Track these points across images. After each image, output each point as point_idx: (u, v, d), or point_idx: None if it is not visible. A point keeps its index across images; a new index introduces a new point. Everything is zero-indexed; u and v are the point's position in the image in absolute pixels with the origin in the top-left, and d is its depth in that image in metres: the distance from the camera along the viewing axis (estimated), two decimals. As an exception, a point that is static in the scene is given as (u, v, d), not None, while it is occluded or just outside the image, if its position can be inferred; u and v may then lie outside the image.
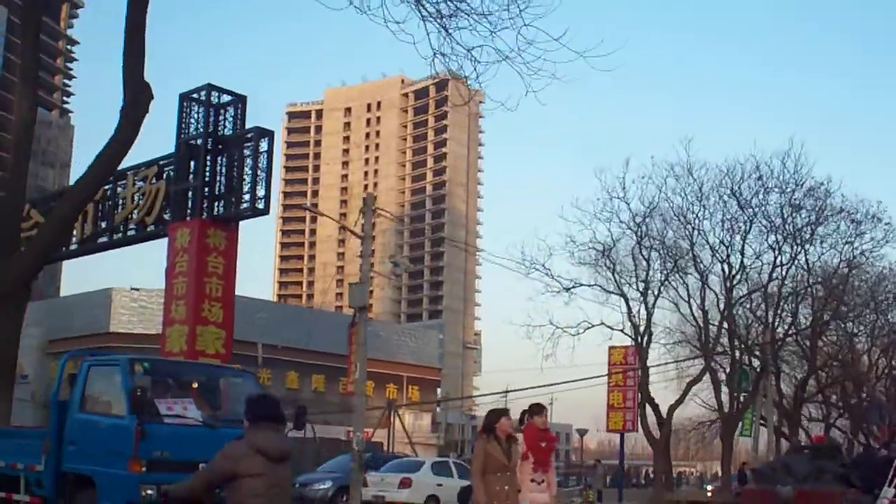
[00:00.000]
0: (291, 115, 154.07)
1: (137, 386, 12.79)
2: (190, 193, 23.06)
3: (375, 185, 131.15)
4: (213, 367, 14.45)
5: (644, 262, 36.20)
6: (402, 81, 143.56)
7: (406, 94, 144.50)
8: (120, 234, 25.29)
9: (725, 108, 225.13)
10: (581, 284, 36.58)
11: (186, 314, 22.17)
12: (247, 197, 22.40)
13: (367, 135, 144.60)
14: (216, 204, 22.86)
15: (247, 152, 22.54)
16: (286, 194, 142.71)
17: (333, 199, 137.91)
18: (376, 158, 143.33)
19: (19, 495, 14.34)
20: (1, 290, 18.64)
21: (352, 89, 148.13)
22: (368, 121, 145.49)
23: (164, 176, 23.99)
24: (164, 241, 23.46)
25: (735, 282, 35.70)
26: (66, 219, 19.48)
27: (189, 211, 23.03)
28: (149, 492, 12.39)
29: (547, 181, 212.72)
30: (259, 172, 22.13)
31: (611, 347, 47.44)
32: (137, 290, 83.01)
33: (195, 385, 13.90)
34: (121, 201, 25.02)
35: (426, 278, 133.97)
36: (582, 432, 56.98)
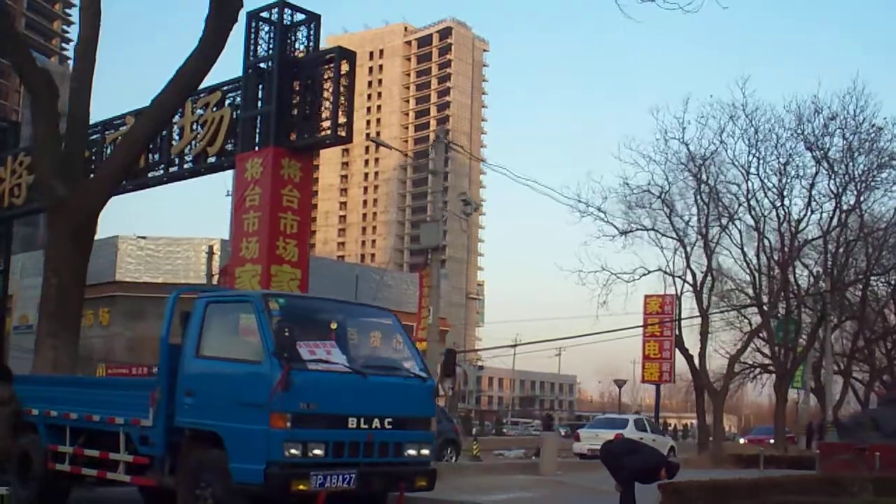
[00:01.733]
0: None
1: (279, 326, 10.59)
2: (260, 121, 20.59)
3: (378, 133, 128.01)
4: (353, 304, 12.22)
5: (704, 207, 34.03)
6: (406, 29, 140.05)
7: (409, 42, 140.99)
8: (175, 168, 22.84)
9: (786, 47, 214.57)
10: (639, 228, 34.46)
11: (259, 252, 19.84)
12: (327, 124, 19.98)
13: (370, 83, 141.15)
14: (290, 132, 20.44)
15: (326, 75, 20.08)
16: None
17: (335, 149, 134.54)
18: (378, 107, 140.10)
19: (118, 454, 12.14)
20: (69, 222, 16.35)
21: (353, 37, 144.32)
22: (371, 69, 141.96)
23: (228, 103, 21.52)
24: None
25: (800, 227, 33.60)
26: (137, 144, 17.11)
27: (258, 140, 20.59)
28: (293, 451, 10.25)
29: (557, 131, 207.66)
30: (341, 97, 19.68)
31: (647, 296, 45.60)
32: (144, 238, 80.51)
33: (334, 326, 11.67)
34: (177, 131, 22.54)
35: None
36: (620, 383, 55.08)
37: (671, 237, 34.41)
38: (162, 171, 22.81)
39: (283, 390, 10.27)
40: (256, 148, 20.45)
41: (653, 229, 34.52)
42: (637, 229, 34.53)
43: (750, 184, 33.52)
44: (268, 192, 19.86)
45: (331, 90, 19.92)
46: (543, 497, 18.48)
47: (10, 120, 28.47)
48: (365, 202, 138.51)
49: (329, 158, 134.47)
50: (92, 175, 18.70)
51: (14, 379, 15.38)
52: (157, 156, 22.85)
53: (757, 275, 35.21)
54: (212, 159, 21.97)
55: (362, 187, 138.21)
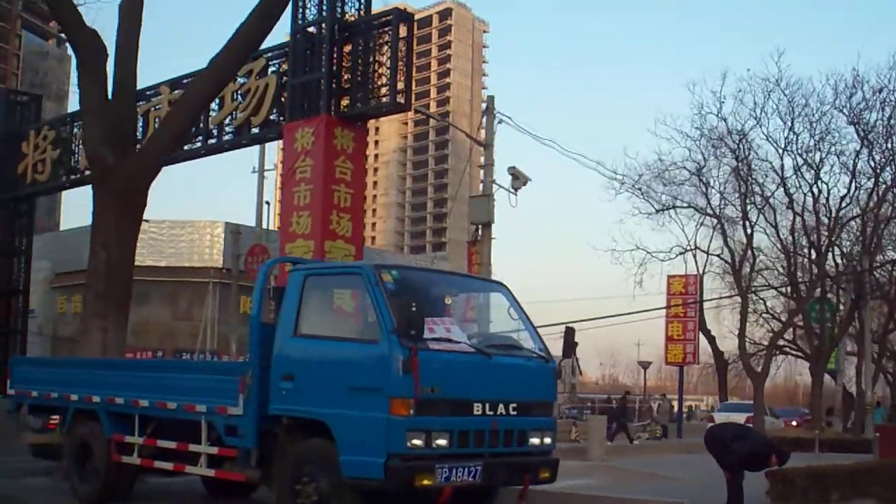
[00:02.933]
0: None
1: (401, 301, 9.28)
2: (309, 88, 19.16)
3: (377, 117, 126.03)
4: (463, 276, 10.92)
5: (742, 184, 32.76)
6: (405, 10, 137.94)
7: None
8: (215, 140, 21.42)
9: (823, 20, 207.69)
10: (675, 206, 33.21)
11: (312, 227, 18.49)
12: (384, 90, 18.59)
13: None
14: (342, 100, 19.05)
15: (381, 39, 18.68)
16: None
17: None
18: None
19: (199, 446, 10.81)
20: (118, 193, 15.00)
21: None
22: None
23: (273, 70, 20.10)
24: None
25: (844, 204, 32.35)
26: (194, 109, 15.72)
27: (307, 109, 19.18)
28: (415, 442, 8.93)
29: (566, 107, 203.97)
30: (399, 61, 18.28)
31: (670, 276, 44.28)
32: (147, 221, 78.62)
33: (448, 300, 10.35)
34: (215, 101, 21.07)
35: (429, 210, 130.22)
36: (645, 364, 53.92)
37: (709, 214, 33.16)
38: (200, 144, 21.39)
39: (406, 373, 8.96)
40: (306, 117, 19.04)
41: (690, 206, 33.28)
42: (672, 207, 33.28)
43: (785, 161, 32.28)
44: (320, 164, 18.50)
45: (386, 55, 18.53)
46: (610, 484, 17.29)
47: (32, 93, 26.94)
48: (365, 184, 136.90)
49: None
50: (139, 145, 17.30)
51: (74, 363, 14.15)
52: (193, 127, 21.41)
53: (791, 255, 33.99)
54: (255, 130, 20.57)
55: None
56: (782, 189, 32.78)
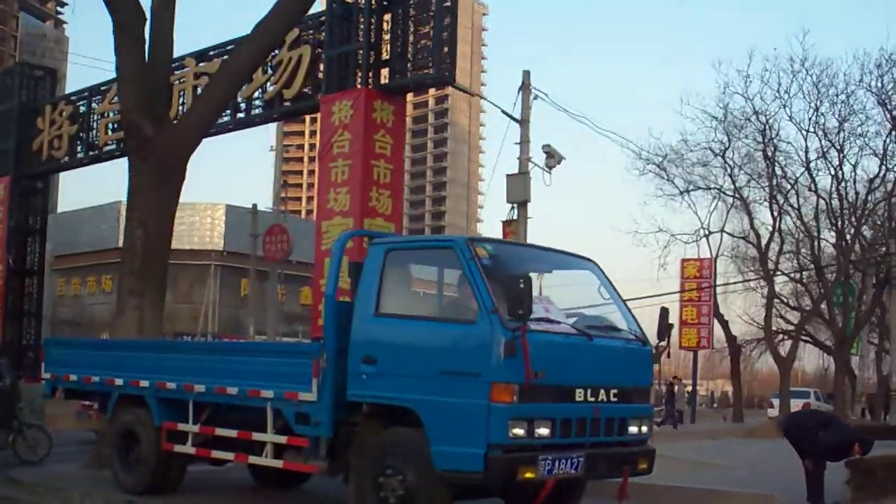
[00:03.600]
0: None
1: (495, 278, 8.39)
2: (347, 60, 18.20)
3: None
4: (553, 251, 9.99)
5: (769, 165, 31.87)
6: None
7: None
8: (243, 114, 20.42)
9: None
10: (699, 188, 32.33)
11: (350, 204, 17.55)
12: (426, 62, 17.61)
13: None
14: (381, 72, 18.08)
15: (423, 10, 17.69)
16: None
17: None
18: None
19: (264, 434, 9.90)
20: (156, 165, 14.04)
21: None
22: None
23: (306, 41, 19.11)
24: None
25: (874, 186, 31.47)
26: (238, 77, 14.76)
27: (345, 81, 18.22)
28: (517, 431, 8.06)
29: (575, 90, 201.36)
30: (444, 32, 17.32)
31: (684, 260, 43.61)
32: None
33: (541, 277, 9.46)
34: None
35: (428, 194, 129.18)
36: (663, 349, 52.74)
37: (734, 196, 32.31)
38: (228, 118, 20.35)
39: (508, 356, 8.08)
40: (344, 90, 18.08)
41: (714, 188, 32.43)
42: (696, 188, 32.44)
43: (809, 142, 31.39)
44: (359, 138, 17.56)
45: (429, 25, 17.56)
46: (661, 473, 16.46)
47: (47, 67, 25.89)
48: (404, 161, 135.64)
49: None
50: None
51: (118, 345, 13.20)
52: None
53: (815, 238, 33.17)
54: (287, 103, 19.58)
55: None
56: (806, 172, 31.95)
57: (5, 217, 25.37)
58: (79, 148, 24.12)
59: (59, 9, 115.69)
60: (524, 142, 22.06)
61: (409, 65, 17.87)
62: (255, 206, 36.45)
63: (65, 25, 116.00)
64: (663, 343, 10.26)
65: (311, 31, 19.04)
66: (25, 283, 25.79)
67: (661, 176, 32.29)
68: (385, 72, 18.10)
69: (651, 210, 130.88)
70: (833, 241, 33.18)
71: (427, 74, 17.65)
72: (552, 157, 22.64)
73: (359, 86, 17.79)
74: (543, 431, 8.32)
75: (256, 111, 20.12)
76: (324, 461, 9.53)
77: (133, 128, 14.22)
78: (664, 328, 10.24)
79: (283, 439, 9.76)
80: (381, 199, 17.77)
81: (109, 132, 23.02)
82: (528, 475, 8.18)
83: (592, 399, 8.76)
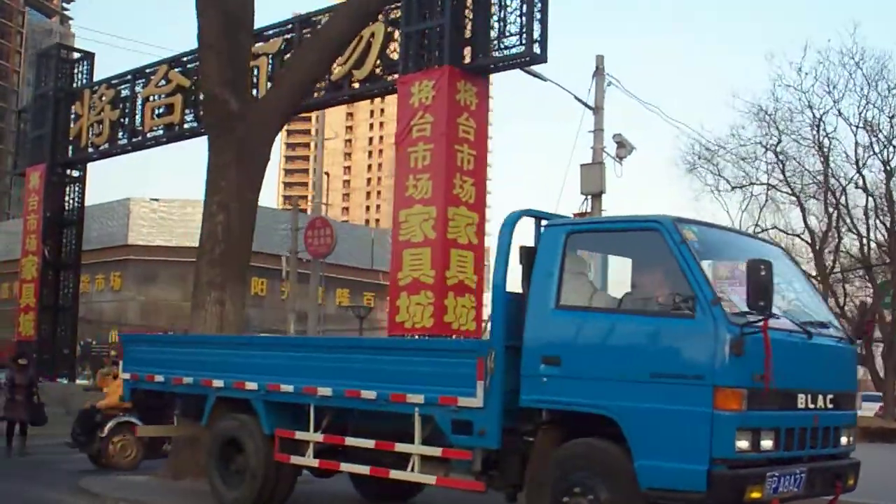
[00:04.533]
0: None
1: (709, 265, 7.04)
2: (427, 38, 16.75)
3: (383, 98, 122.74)
4: (749, 237, 8.61)
5: (823, 161, 30.52)
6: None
7: None
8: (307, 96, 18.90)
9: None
10: (752, 183, 30.97)
11: (432, 192, 16.11)
12: (513, 40, 16.18)
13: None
14: (463, 50, 16.65)
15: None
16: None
17: (338, 109, 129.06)
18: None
19: (411, 445, 8.47)
20: (240, 144, 12.58)
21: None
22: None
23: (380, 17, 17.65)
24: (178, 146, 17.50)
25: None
26: (330, 47, 13.31)
27: (422, 60, 16.77)
28: (742, 444, 6.76)
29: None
30: (535, 6, 15.89)
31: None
32: (157, 200, 76.35)
33: (742, 266, 8.02)
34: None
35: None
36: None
37: (787, 192, 30.95)
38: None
39: (735, 356, 6.70)
40: (424, 69, 16.64)
41: (767, 184, 31.07)
42: (749, 184, 31.09)
43: (859, 137, 30.04)
44: (442, 121, 16.13)
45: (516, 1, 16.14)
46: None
47: (85, 50, 24.39)
48: (369, 167, 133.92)
49: (332, 123, 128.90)
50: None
51: (216, 341, 11.75)
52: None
53: (865, 238, 31.82)
54: (356, 85, 18.13)
55: (367, 152, 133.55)
56: (855, 168, 30.61)
57: (40, 207, 23.86)
58: (120, 134, 22.64)
59: (65, 5, 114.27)
60: (598, 130, 20.67)
61: (493, 43, 16.43)
62: (295, 200, 34.83)
63: (71, 21, 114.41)
64: (860, 341, 8.89)
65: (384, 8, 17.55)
66: (60, 276, 24.25)
67: (712, 171, 30.93)
68: (467, 51, 16.66)
69: (701, 206, 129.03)
70: (882, 240, 31.81)
71: (517, 53, 16.17)
72: (623, 147, 21.30)
73: (440, 66, 16.34)
74: (768, 444, 7.01)
75: (322, 94, 18.62)
76: (488, 477, 8.14)
77: (216, 101, 12.77)
78: (863, 324, 8.87)
79: (436, 451, 8.32)
80: (465, 186, 16.35)
81: (155, 117, 21.52)
82: (755, 495, 6.87)
83: (812, 406, 7.44)
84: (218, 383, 10.20)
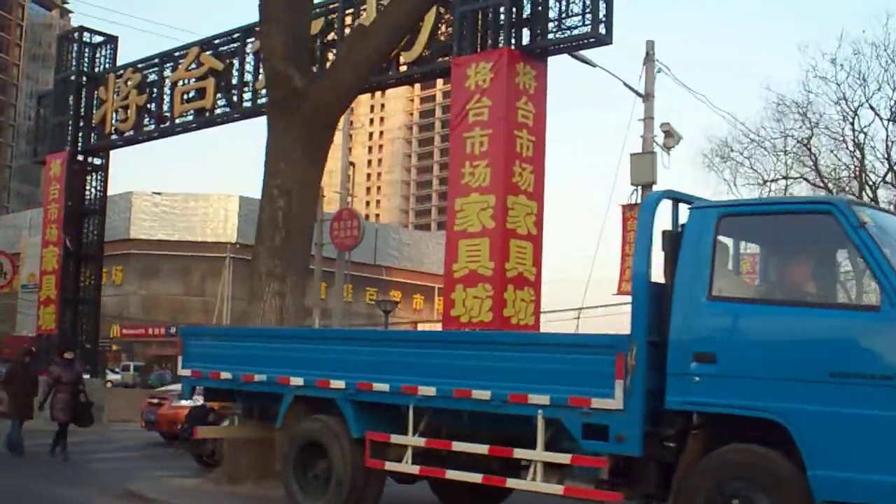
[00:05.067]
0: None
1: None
2: (482, 17, 15.86)
3: (383, 93, 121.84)
4: None
5: (857, 154, 29.75)
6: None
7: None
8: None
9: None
10: (785, 177, 30.18)
11: (491, 179, 15.20)
12: (575, 20, 15.28)
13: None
14: (521, 31, 15.74)
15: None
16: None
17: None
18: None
19: (533, 451, 7.62)
20: (303, 124, 11.73)
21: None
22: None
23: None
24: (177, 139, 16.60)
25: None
26: (398, 25, 12.44)
27: (477, 41, 15.88)
28: None
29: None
30: (599, -14, 14.99)
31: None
32: (159, 194, 75.41)
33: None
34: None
35: (434, 188, 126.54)
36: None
37: (820, 187, 30.13)
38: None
39: None
40: (480, 51, 15.74)
41: (802, 178, 30.28)
42: (781, 178, 30.31)
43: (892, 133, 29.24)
44: (501, 105, 15.19)
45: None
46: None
47: (108, 34, 23.40)
48: (370, 162, 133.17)
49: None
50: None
51: (292, 335, 10.86)
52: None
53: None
54: (404, 67, 17.22)
55: (367, 146, 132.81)
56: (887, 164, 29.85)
57: (62, 196, 22.87)
58: (146, 120, 21.70)
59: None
60: (648, 118, 19.84)
61: (551, 24, 15.53)
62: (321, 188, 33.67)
63: (71, 15, 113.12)
64: None
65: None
66: (82, 268, 23.29)
67: (744, 164, 30.17)
68: (525, 32, 15.75)
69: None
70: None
71: (579, 34, 15.27)
72: (671, 137, 20.49)
73: (497, 47, 15.46)
74: None
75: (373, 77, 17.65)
76: (611, 486, 7.30)
77: (280, 78, 11.87)
78: None
79: (564, 458, 7.47)
80: (524, 174, 15.43)
81: (185, 102, 20.59)
82: None
83: None
84: (296, 381, 9.35)
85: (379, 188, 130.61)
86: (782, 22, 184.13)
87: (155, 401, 18.17)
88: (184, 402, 16.90)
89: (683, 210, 7.60)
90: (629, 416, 7.02)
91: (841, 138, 30.00)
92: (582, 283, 25.71)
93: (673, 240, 7.25)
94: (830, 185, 30.07)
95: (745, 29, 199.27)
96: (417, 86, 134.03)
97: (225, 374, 10.10)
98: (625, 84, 19.70)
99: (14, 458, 14.63)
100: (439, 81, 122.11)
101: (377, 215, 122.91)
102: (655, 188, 19.76)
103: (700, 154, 31.00)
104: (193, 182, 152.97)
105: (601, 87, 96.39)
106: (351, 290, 79.40)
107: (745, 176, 30.79)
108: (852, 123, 29.32)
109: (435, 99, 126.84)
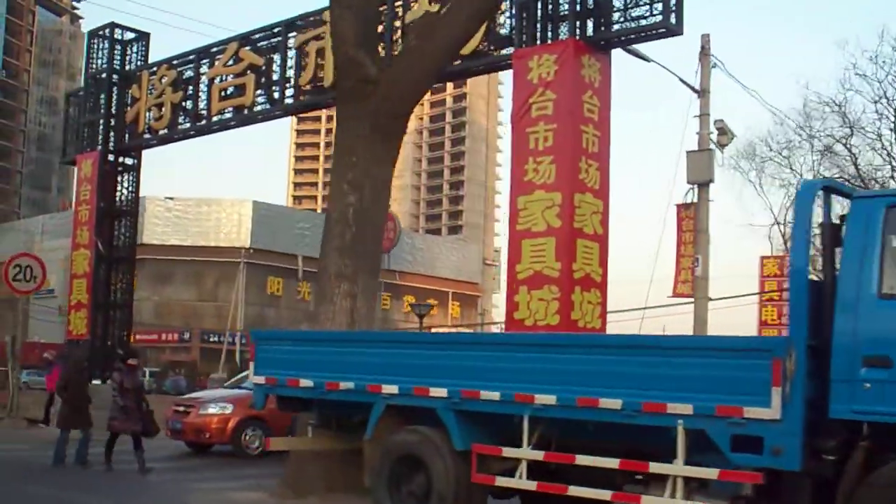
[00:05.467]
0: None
1: None
2: (540, 9, 15.19)
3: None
4: None
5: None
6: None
7: None
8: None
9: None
10: (833, 177, 29.39)
11: (556, 176, 14.50)
12: (643, 10, 14.59)
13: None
14: (586, 22, 15.06)
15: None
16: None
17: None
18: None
19: (670, 465, 6.92)
20: (375, 114, 11.05)
21: None
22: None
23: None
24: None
25: None
26: (477, 11, 11.74)
27: (540, 32, 15.21)
28: None
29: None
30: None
31: (763, 258, 41.19)
32: (172, 199, 74.78)
33: None
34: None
35: (445, 193, 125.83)
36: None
37: (859, 186, 29.41)
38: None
39: None
40: (543, 42, 15.07)
41: (841, 178, 29.52)
42: (825, 177, 29.53)
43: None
44: (567, 98, 14.52)
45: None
46: None
47: (139, 30, 22.74)
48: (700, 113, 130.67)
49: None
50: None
51: (394, 339, 10.15)
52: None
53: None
54: (458, 62, 16.49)
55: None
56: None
57: (93, 197, 22.19)
58: (182, 118, 21.03)
59: (74, 3, 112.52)
60: (704, 115, 19.13)
61: (616, 14, 14.85)
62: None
63: (81, 21, 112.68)
64: None
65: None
66: (113, 271, 22.59)
67: (781, 164, 29.52)
68: (589, 23, 15.08)
69: (742, 204, 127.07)
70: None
71: (648, 24, 14.56)
72: (724, 135, 19.79)
73: (559, 39, 14.79)
74: None
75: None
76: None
77: (352, 65, 11.18)
78: None
79: (711, 473, 6.75)
80: (590, 171, 14.75)
81: (222, 99, 19.92)
82: None
83: None
84: (389, 389, 8.64)
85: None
86: (814, 16, 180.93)
87: (181, 408, 17.05)
88: (211, 410, 16.34)
89: (837, 201, 6.91)
90: (787, 426, 6.32)
91: (877, 137, 29.33)
92: (633, 284, 24.98)
93: (832, 232, 6.55)
94: (870, 185, 29.38)
95: (778, 24, 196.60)
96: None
97: (305, 382, 9.39)
98: (681, 80, 19.00)
99: (79, 471, 13.77)
100: (449, 85, 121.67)
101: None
102: (712, 187, 19.13)
103: (731, 153, 30.11)
104: (203, 187, 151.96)
105: (646, 82, 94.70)
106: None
107: (772, 176, 30.17)
108: (894, 123, 28.60)
109: (445, 103, 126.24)
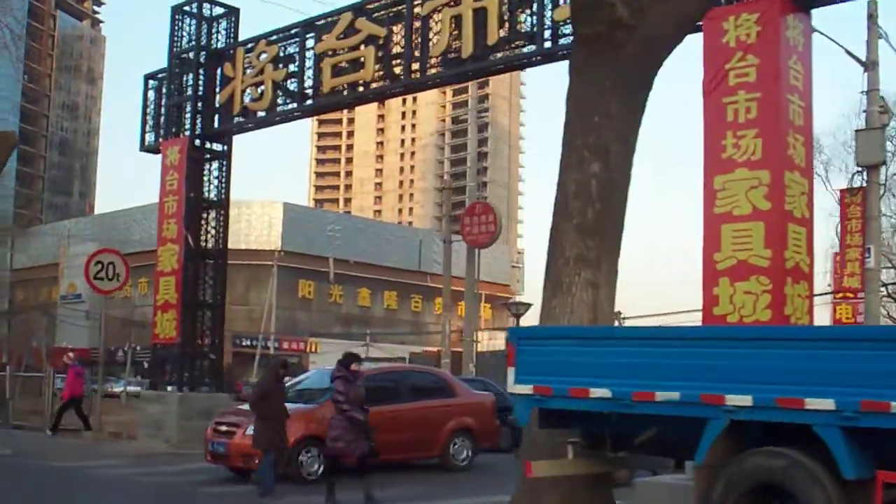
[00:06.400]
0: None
1: None
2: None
3: (415, 99, 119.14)
4: None
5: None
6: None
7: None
8: (550, 43, 15.36)
9: None
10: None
11: (763, 151, 12.48)
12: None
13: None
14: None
15: None
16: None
17: (370, 110, 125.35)
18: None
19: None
20: (625, 66, 9.06)
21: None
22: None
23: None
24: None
25: None
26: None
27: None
28: None
29: None
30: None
31: (837, 254, 39.39)
32: (202, 200, 72.83)
33: None
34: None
35: (467, 195, 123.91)
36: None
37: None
38: (534, 47, 15.39)
39: None
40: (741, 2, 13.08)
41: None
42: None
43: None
44: (773, 63, 12.50)
45: None
46: None
47: (229, 5, 20.68)
48: (401, 169, 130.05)
49: (364, 124, 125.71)
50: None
51: (737, 336, 8.08)
52: (526, 19, 15.38)
53: None
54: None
55: (398, 154, 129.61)
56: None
57: (181, 187, 20.14)
58: (281, 99, 19.02)
59: (95, 8, 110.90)
60: (873, 90, 17.07)
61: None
62: (448, 180, 31.05)
63: (101, 25, 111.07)
64: None
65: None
66: (200, 268, 20.54)
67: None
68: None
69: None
70: None
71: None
72: (885, 114, 17.73)
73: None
74: None
75: (565, 40, 15.01)
76: None
77: (599, 6, 9.15)
78: None
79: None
80: (797, 146, 12.74)
81: (335, 76, 17.87)
82: None
83: None
84: (738, 400, 6.60)
85: (412, 195, 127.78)
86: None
87: (223, 428, 14.25)
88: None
89: None
90: None
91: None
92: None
93: None
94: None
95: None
96: (449, 92, 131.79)
97: (599, 392, 7.34)
98: (847, 52, 16.93)
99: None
100: (471, 87, 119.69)
101: (410, 223, 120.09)
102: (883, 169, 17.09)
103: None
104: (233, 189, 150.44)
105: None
106: (395, 298, 76.86)
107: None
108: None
109: (467, 104, 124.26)
